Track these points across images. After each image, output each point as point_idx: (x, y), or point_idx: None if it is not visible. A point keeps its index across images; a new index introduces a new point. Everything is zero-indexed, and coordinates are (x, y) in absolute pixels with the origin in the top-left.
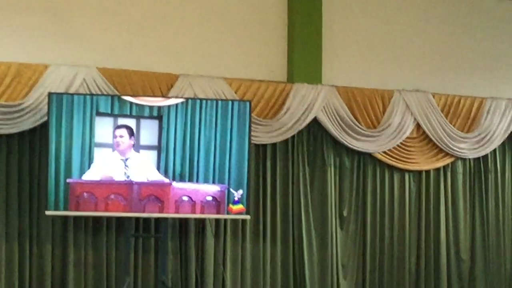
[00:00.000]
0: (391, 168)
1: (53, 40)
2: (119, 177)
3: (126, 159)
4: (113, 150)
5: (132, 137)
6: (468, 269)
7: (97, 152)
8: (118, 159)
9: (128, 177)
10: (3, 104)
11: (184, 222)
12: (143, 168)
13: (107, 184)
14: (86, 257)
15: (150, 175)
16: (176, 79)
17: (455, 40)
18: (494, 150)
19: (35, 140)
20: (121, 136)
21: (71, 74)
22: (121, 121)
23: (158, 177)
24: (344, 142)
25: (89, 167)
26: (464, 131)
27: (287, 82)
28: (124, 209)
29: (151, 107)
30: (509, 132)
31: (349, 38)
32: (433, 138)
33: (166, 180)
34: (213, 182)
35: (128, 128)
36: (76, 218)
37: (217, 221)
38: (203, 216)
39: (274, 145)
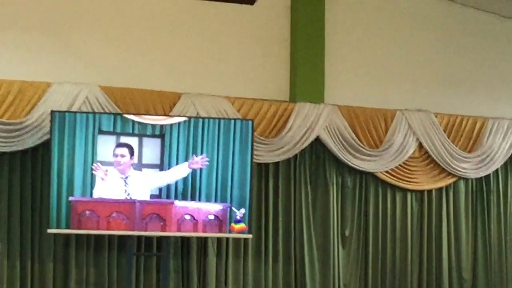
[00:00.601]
0: (393, 187)
1: (56, 58)
2: (119, 195)
3: (126, 177)
4: (114, 168)
5: (133, 157)
6: None
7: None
8: (118, 177)
9: (128, 195)
10: (5, 122)
11: (186, 240)
12: (142, 187)
13: (109, 203)
14: (87, 276)
15: (150, 194)
16: (178, 98)
17: (458, 60)
18: (497, 170)
19: (37, 158)
20: (122, 156)
21: (74, 92)
22: (122, 139)
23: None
24: (346, 161)
25: (91, 185)
26: (466, 151)
27: (290, 101)
28: (126, 227)
29: (153, 126)
30: (511, 152)
31: (352, 57)
32: (435, 158)
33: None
34: (215, 201)
35: (129, 147)
36: (78, 236)
37: (219, 239)
38: (205, 234)
39: (276, 164)
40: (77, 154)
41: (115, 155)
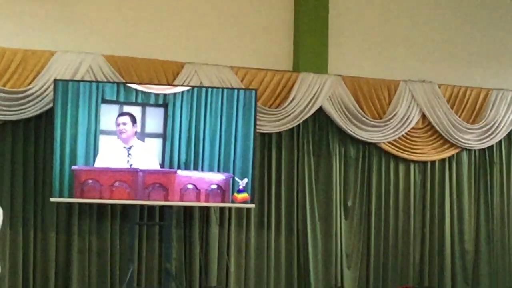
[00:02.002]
0: (396, 158)
1: (59, 27)
2: (122, 165)
3: (130, 147)
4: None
5: (135, 125)
6: (472, 260)
7: (102, 140)
8: (121, 147)
9: (131, 165)
10: (8, 90)
11: (188, 210)
12: (147, 157)
13: (112, 172)
14: (90, 245)
15: (152, 164)
16: (182, 67)
17: (462, 31)
18: (500, 141)
19: (40, 127)
20: (124, 124)
21: (77, 61)
22: (125, 108)
23: (158, 167)
24: (350, 132)
25: (94, 154)
26: (469, 122)
27: (293, 71)
28: (129, 196)
29: (156, 95)
30: None
31: (356, 28)
32: (438, 129)
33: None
34: (218, 171)
35: (131, 116)
36: (80, 205)
37: (222, 209)
38: (207, 204)
39: (279, 134)
40: (80, 123)
41: (117, 124)
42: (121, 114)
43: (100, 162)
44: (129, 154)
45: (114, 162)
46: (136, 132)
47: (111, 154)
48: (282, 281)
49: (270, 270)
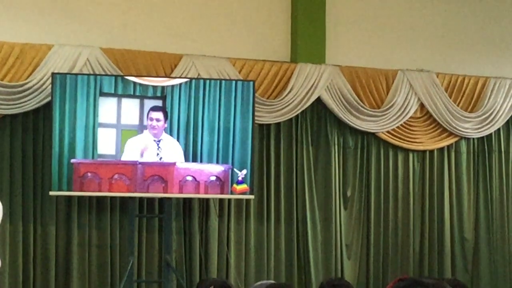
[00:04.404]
0: (395, 148)
1: (57, 20)
2: (152, 158)
3: (159, 141)
4: (142, 131)
5: (167, 120)
6: (472, 249)
7: (101, 133)
8: (151, 140)
9: (160, 158)
10: (6, 84)
11: (188, 202)
12: (174, 150)
13: (111, 164)
14: (90, 238)
15: (179, 158)
16: (179, 59)
17: (460, 19)
18: (498, 130)
19: (38, 121)
20: (157, 120)
21: (75, 54)
22: (124, 101)
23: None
24: (348, 122)
25: (93, 147)
26: (468, 110)
27: (291, 62)
28: (128, 189)
29: (154, 87)
30: None
31: (353, 17)
32: (437, 118)
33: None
34: (217, 162)
35: (164, 111)
36: (80, 198)
37: (221, 201)
38: (207, 196)
39: (277, 125)
40: (79, 116)
41: (151, 119)
42: (155, 108)
43: (130, 156)
44: (159, 147)
45: (145, 155)
46: (165, 127)
47: (141, 147)
48: (282, 271)
49: (270, 261)
